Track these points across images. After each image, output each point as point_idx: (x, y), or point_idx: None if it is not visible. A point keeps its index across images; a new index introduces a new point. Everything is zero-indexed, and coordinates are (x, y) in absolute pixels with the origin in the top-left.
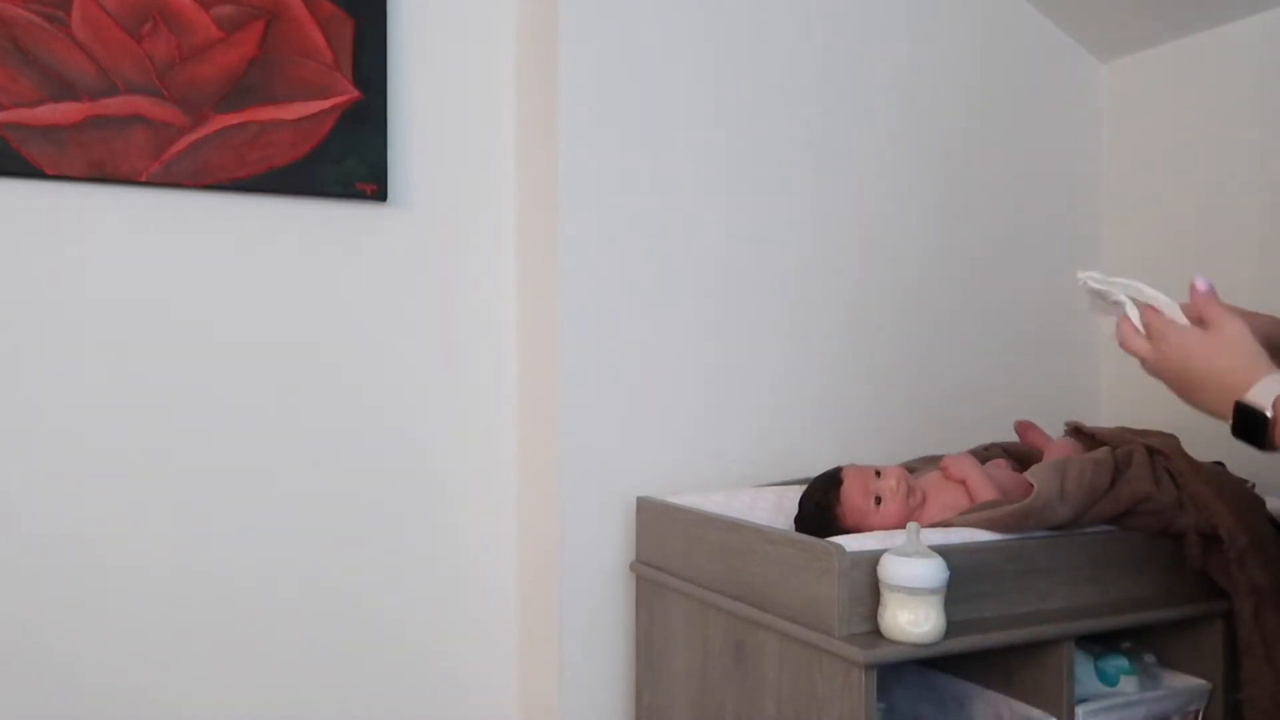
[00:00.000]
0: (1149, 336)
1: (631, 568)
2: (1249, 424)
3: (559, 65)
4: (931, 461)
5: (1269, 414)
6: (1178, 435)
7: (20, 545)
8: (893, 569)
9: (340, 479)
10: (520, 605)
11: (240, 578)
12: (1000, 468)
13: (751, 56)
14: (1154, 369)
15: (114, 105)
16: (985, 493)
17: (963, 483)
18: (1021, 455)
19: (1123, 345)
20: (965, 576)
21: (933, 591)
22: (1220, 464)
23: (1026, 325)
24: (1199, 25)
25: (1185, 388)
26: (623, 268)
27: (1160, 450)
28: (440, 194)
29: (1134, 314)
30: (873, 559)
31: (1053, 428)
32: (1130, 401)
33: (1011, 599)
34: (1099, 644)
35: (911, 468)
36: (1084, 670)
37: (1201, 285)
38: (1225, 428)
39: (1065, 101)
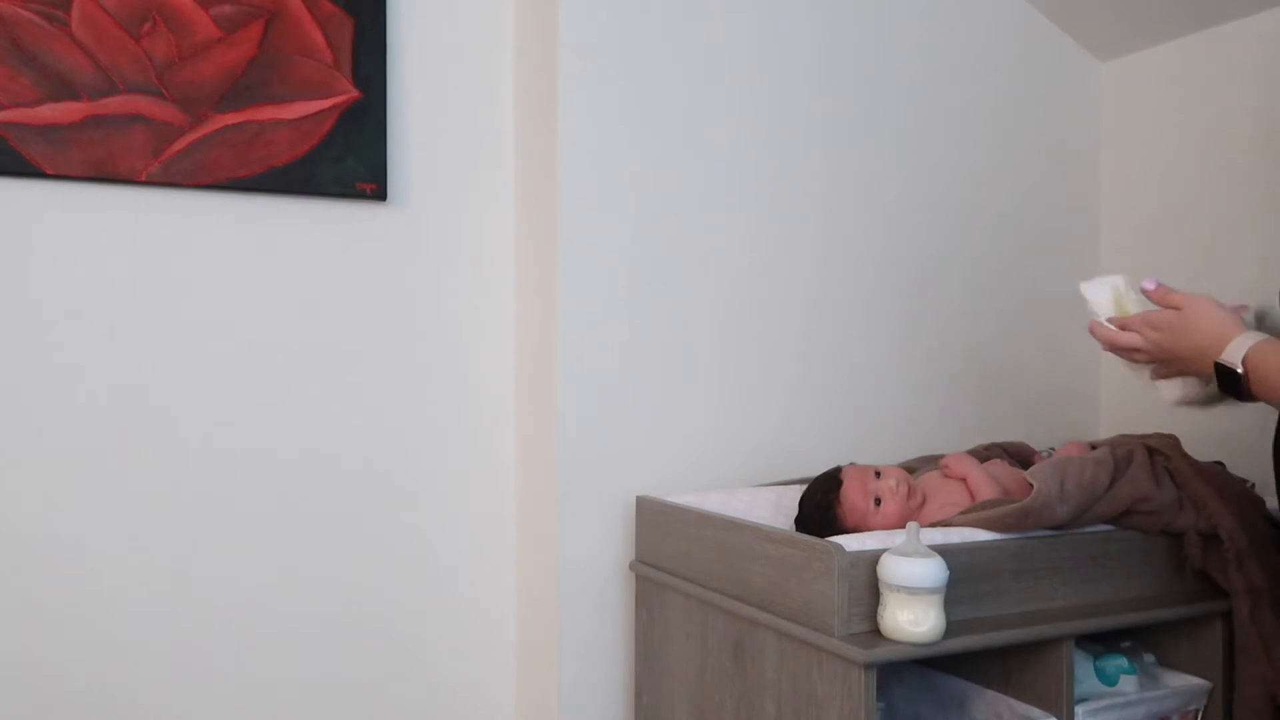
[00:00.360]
0: (1130, 330)
1: (631, 567)
2: (1227, 380)
3: (558, 64)
4: (931, 461)
5: (1239, 370)
6: (1177, 436)
7: (15, 553)
8: (892, 568)
9: (338, 476)
10: (520, 604)
11: (238, 577)
12: (999, 467)
13: (759, 60)
14: (1148, 356)
15: (113, 105)
16: (986, 490)
17: (963, 480)
18: (1021, 456)
19: (1111, 343)
20: (965, 576)
21: (932, 591)
22: (1220, 464)
23: (1027, 326)
24: (1198, 25)
25: (1178, 364)
26: (622, 268)
27: (1160, 450)
28: (440, 194)
29: (1103, 317)
30: (872, 559)
31: (1055, 431)
32: (1130, 408)
33: (1011, 599)
34: (1099, 644)
35: (911, 468)
36: (1084, 670)
37: (1150, 285)
38: (1223, 430)
39: (1065, 101)
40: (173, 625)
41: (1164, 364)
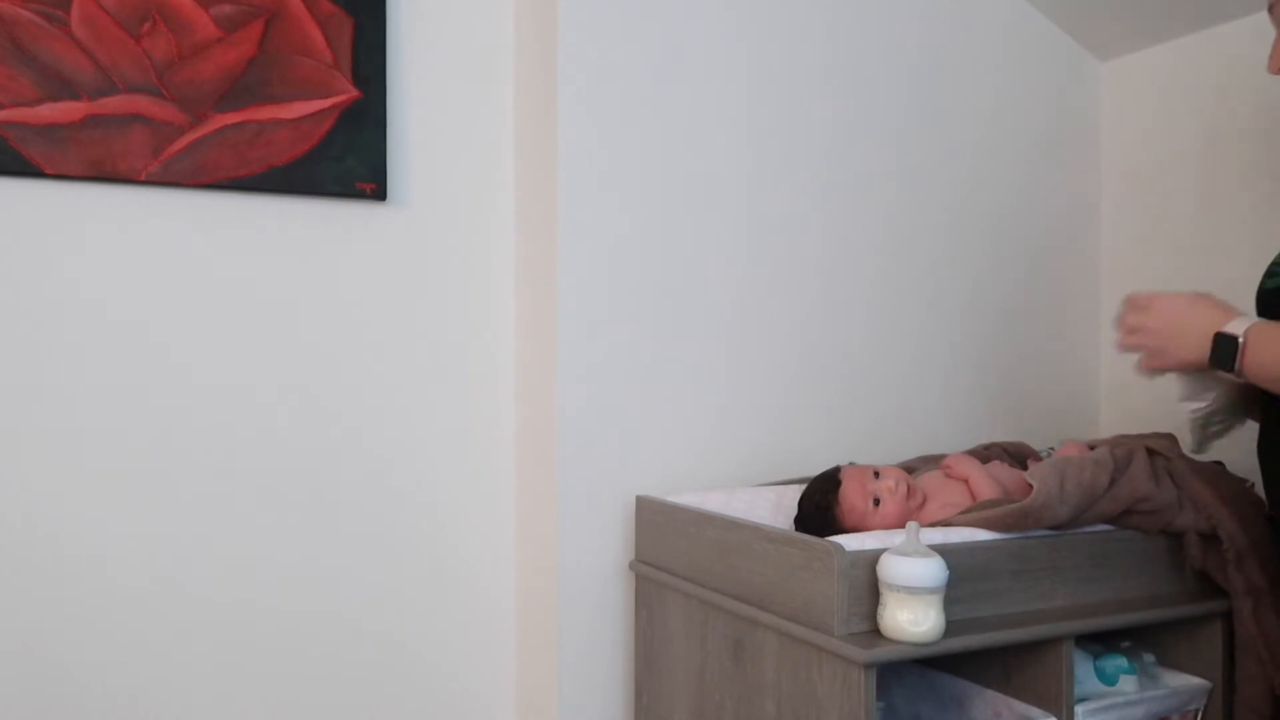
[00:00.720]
0: (1137, 308)
1: (631, 567)
2: (1224, 352)
3: (558, 64)
4: (931, 461)
5: (1240, 340)
6: (1176, 436)
7: (15, 553)
8: (892, 568)
9: (339, 477)
10: (520, 604)
11: (239, 576)
12: (1000, 468)
13: (758, 59)
14: (1148, 329)
15: (113, 104)
16: (988, 491)
17: (965, 481)
18: (1021, 456)
19: (1129, 301)
20: (965, 576)
21: (932, 591)
22: (1220, 464)
23: (1027, 326)
24: (1198, 24)
25: (1173, 337)
26: (622, 267)
27: (1160, 450)
28: (439, 193)
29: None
30: (872, 558)
31: (1055, 431)
32: (1130, 408)
33: (1011, 598)
34: (1098, 643)
35: (911, 467)
36: (1083, 670)
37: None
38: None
39: (1065, 101)
40: (174, 624)
41: (1154, 344)
